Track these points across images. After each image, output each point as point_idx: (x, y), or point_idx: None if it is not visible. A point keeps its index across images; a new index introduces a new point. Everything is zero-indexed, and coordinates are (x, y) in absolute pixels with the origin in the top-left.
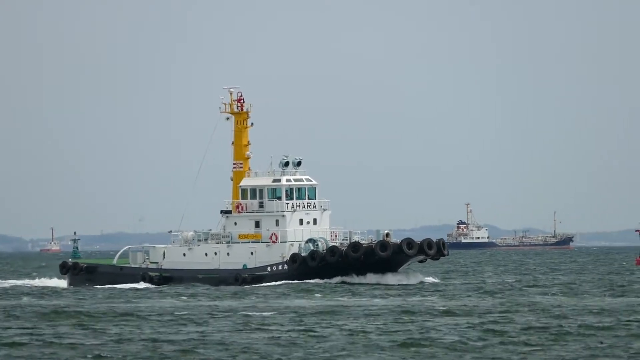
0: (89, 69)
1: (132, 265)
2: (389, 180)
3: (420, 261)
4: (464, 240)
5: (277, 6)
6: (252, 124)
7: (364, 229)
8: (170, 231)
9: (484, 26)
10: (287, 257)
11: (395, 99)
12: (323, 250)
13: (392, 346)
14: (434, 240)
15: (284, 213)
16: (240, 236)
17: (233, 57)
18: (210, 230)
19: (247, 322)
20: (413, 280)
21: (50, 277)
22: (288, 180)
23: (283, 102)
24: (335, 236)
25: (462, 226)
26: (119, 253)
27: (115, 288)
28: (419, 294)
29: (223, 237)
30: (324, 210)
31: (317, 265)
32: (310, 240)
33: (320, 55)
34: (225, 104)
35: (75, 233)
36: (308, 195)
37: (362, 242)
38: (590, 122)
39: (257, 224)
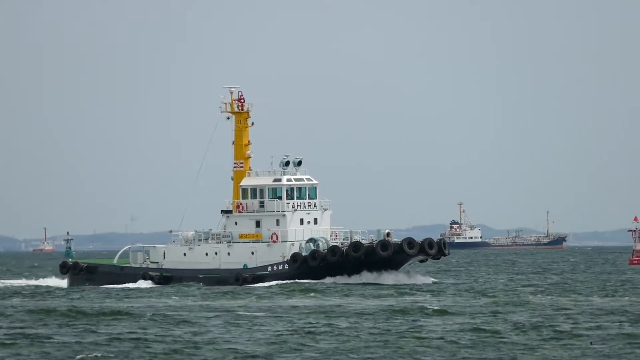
0: (89, 69)
1: (133, 265)
2: (389, 180)
3: (421, 261)
4: (457, 240)
5: (277, 6)
6: (252, 123)
7: (363, 229)
8: (171, 231)
9: (484, 26)
10: (288, 257)
11: (395, 99)
12: (324, 250)
13: (385, 346)
14: (435, 239)
15: (285, 213)
16: (241, 236)
17: (233, 57)
18: (211, 230)
19: (239, 321)
20: (413, 280)
21: (50, 276)
22: (289, 180)
23: (283, 102)
24: (336, 236)
25: (455, 226)
26: (119, 253)
27: (115, 288)
28: (411, 294)
29: (224, 236)
30: (325, 210)
31: (317, 265)
32: (311, 240)
33: (320, 55)
34: (225, 104)
35: (68, 233)
36: (309, 195)
37: (363, 241)
38: (589, 122)
39: (258, 224)
